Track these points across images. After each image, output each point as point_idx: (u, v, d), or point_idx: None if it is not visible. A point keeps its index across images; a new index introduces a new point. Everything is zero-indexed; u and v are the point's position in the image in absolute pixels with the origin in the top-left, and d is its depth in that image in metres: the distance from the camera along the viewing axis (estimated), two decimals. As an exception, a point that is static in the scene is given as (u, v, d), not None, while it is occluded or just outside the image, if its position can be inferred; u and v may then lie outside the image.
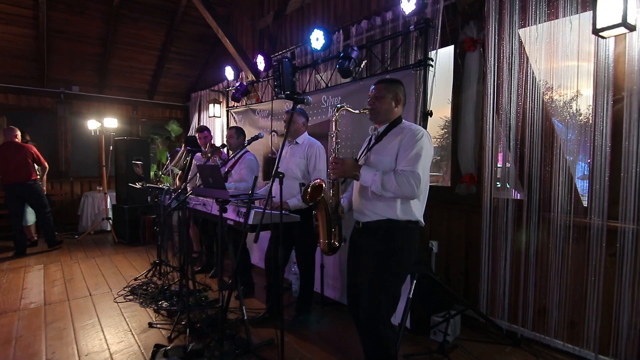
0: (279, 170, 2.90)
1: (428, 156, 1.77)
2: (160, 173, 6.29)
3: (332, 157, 1.84)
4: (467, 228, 3.06)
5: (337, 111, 1.91)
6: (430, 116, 2.62)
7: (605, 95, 2.23)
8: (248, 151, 3.56)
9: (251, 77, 4.95)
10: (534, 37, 2.60)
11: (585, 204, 2.40)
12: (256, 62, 4.27)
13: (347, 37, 3.80)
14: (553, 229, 2.48)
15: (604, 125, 2.24)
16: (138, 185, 3.82)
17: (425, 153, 1.74)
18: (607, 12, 1.98)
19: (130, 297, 3.47)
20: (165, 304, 3.20)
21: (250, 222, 2.06)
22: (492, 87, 2.77)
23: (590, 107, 2.35)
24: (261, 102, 4.45)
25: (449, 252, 3.18)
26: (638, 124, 2.11)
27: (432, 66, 2.62)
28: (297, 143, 2.87)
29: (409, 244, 1.83)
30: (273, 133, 4.11)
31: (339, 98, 3.29)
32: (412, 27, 2.69)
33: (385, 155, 1.82)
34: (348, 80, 3.18)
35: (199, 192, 2.30)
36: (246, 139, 3.49)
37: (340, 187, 1.91)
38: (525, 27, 2.60)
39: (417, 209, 1.83)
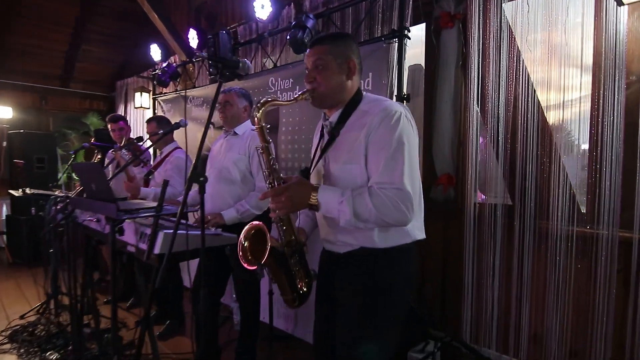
0: (211, 169, 2.24)
1: (414, 149, 1.19)
2: (75, 176, 5.19)
3: (270, 190, 1.19)
4: (445, 238, 2.57)
5: (258, 110, 1.21)
6: (407, 101, 2.09)
7: (617, 78, 1.84)
8: (178, 147, 2.80)
9: (184, 58, 4.14)
10: (526, 11, 2.18)
11: (583, 209, 2.01)
12: (189, 39, 3.48)
13: (299, 12, 3.17)
14: (551, 240, 2.06)
15: (615, 115, 1.85)
16: (18, 193, 2.86)
17: (408, 148, 1.16)
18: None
19: (7, 345, 2.54)
20: (55, 356, 2.34)
21: (156, 250, 1.35)
22: (475, 72, 2.31)
23: (593, 95, 1.96)
24: (195, 87, 3.67)
25: (423, 266, 2.68)
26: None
27: (409, 38, 2.09)
28: (235, 134, 2.19)
29: (406, 274, 1.28)
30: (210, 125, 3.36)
31: (290, 80, 2.66)
32: (384, -11, 2.14)
33: (351, 161, 1.21)
34: (302, 57, 2.56)
35: (77, 204, 1.54)
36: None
37: (292, 217, 1.29)
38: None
39: (414, 225, 1.25)
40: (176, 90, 3.88)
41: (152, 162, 3.02)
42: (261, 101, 1.23)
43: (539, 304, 2.12)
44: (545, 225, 2.09)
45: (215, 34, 2.87)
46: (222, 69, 1.36)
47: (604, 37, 1.88)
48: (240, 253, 1.27)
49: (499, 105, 2.23)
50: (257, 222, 1.29)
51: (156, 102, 4.15)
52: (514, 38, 2.21)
